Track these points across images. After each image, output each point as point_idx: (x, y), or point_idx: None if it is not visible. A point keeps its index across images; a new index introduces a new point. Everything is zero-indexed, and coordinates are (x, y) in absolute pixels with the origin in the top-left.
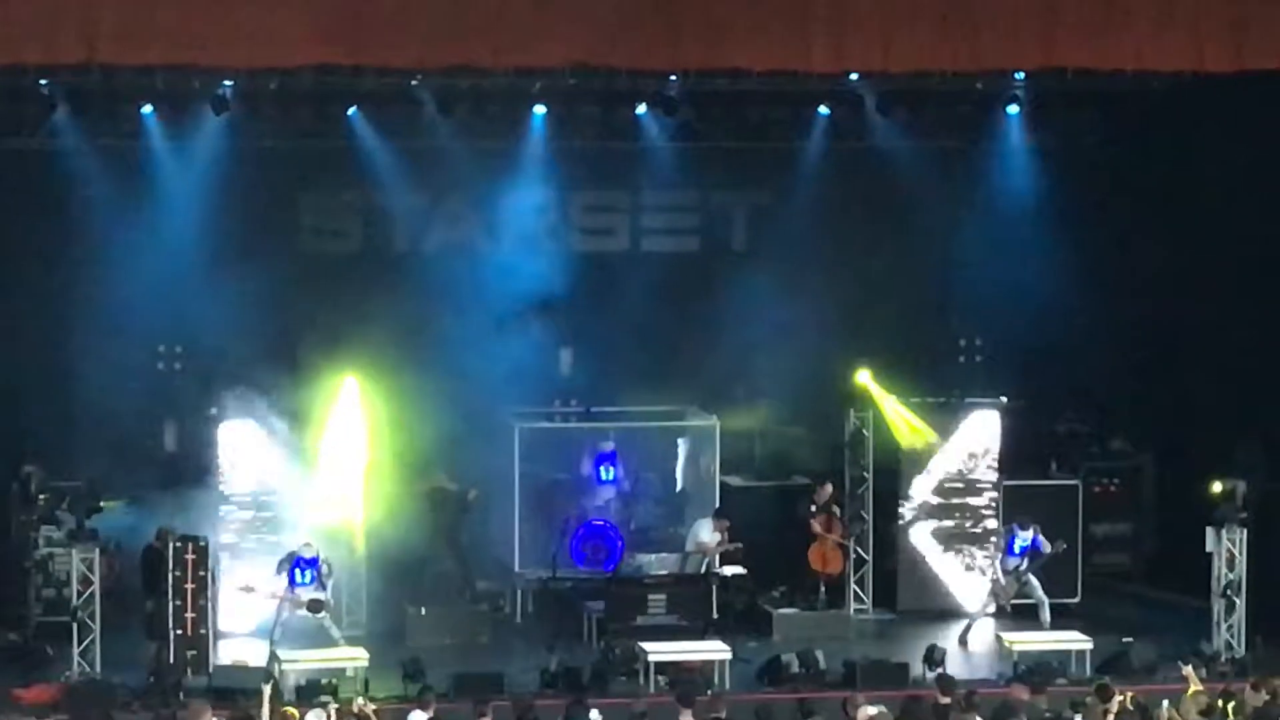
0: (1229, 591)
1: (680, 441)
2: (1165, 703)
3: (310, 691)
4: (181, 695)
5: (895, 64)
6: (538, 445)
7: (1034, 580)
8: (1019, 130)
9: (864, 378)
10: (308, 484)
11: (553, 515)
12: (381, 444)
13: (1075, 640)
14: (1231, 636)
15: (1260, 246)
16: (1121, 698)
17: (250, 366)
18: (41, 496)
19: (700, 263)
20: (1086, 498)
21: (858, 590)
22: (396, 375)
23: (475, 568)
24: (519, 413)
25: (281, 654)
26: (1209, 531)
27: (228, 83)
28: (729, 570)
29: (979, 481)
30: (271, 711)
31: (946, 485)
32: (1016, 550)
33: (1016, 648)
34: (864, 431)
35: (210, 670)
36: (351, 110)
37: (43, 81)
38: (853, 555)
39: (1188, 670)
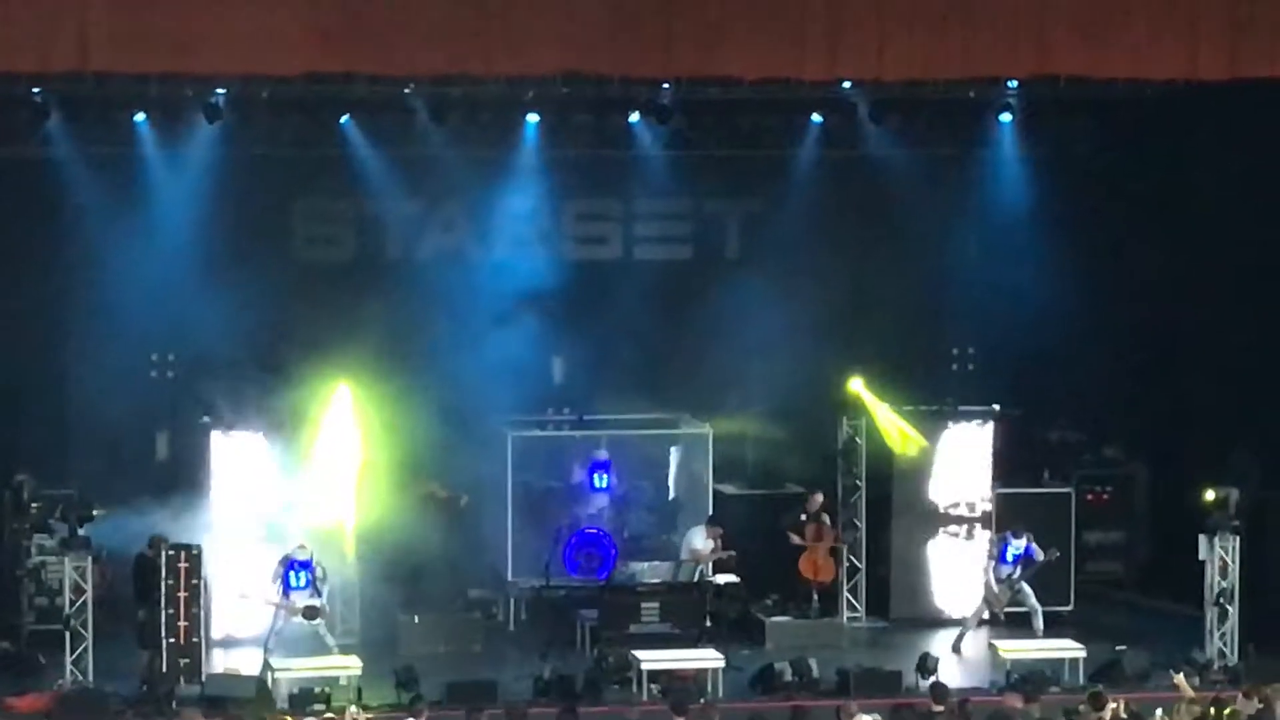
0: (1222, 600)
1: (673, 449)
2: (1159, 711)
3: (303, 700)
4: (174, 704)
5: (888, 72)
6: (530, 453)
7: (1027, 588)
8: (1012, 138)
9: (857, 386)
10: (301, 491)
11: (546, 523)
12: (374, 451)
13: (1068, 648)
14: (1224, 644)
15: (1254, 254)
16: (1114, 706)
17: (243, 374)
18: (34, 505)
19: (693, 271)
20: (1079, 506)
21: (851, 598)
22: (389, 382)
23: (467, 576)
24: (512, 420)
25: (275, 662)
26: (1202, 539)
27: (220, 91)
28: (722, 578)
29: (972, 490)
30: None
31: (939, 493)
32: (1009, 558)
33: (1009, 656)
34: (857, 439)
35: (203, 679)
36: (344, 118)
37: (35, 89)
38: (845, 563)
39: (1180, 678)
